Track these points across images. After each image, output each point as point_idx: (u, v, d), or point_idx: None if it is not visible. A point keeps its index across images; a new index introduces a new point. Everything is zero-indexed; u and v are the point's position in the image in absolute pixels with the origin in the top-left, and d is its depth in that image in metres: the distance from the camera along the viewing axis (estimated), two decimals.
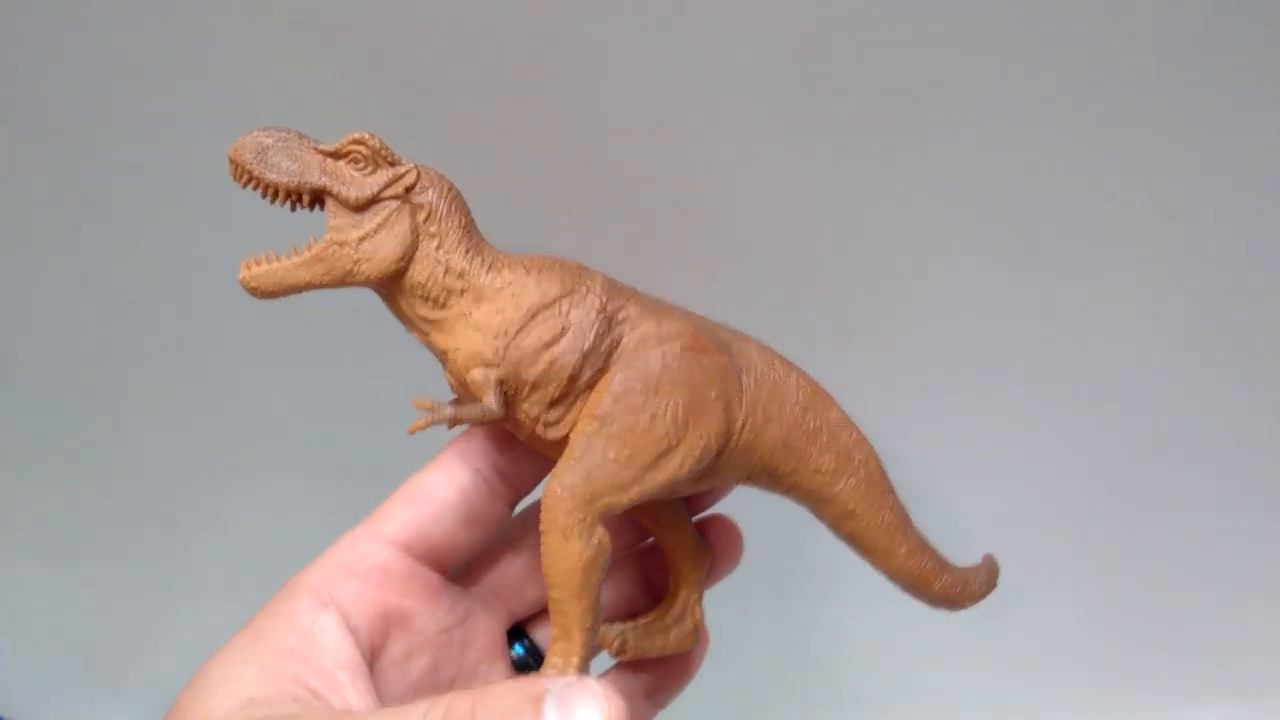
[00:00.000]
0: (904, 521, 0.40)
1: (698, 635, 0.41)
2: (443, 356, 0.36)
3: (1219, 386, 0.60)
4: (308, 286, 0.35)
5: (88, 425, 0.65)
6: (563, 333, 0.35)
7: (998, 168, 0.56)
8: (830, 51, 0.54)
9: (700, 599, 0.41)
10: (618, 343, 0.36)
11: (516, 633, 0.41)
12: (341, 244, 0.35)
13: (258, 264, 0.35)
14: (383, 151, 0.35)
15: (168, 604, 0.68)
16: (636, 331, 0.36)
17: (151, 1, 0.55)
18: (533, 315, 0.35)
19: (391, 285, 0.35)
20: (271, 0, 0.54)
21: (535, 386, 0.35)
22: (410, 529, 0.37)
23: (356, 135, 0.35)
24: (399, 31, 0.55)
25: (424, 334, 0.36)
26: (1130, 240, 0.58)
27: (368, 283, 0.35)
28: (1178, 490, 0.62)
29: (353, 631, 0.35)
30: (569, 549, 0.33)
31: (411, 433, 0.34)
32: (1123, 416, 0.61)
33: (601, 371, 0.35)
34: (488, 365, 0.35)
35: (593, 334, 0.35)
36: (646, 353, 0.36)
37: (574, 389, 0.35)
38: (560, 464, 0.34)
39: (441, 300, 0.35)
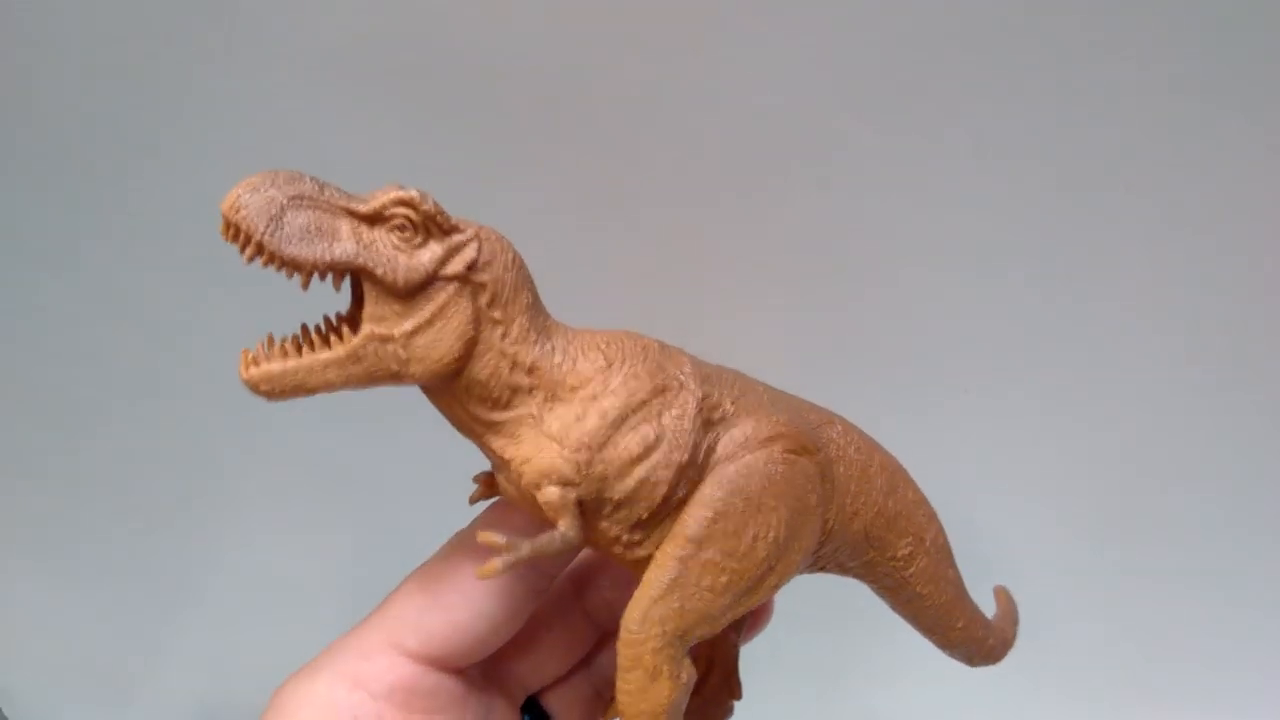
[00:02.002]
0: (962, 593, 0.36)
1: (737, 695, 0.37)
2: (503, 464, 0.29)
3: (1233, 405, 0.60)
4: (334, 389, 0.27)
5: (98, 443, 0.65)
6: (656, 443, 0.29)
7: (1019, 184, 0.56)
8: (848, 59, 0.54)
9: (738, 660, 0.37)
10: (714, 446, 0.30)
11: (530, 706, 0.36)
12: (386, 339, 0.27)
13: (267, 358, 0.27)
14: (438, 217, 0.28)
15: (177, 619, 0.67)
16: (734, 432, 0.30)
17: (155, 15, 0.55)
18: (620, 422, 0.29)
19: (444, 383, 0.29)
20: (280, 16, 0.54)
21: (620, 505, 0.29)
22: (435, 640, 0.31)
23: (402, 194, 0.27)
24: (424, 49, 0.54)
25: (478, 436, 0.29)
26: (1145, 262, 0.57)
27: (416, 383, 0.28)
28: (1193, 511, 0.62)
29: None
30: (656, 691, 0.28)
31: (482, 578, 0.28)
32: (1137, 434, 0.61)
33: (697, 483, 0.29)
34: (566, 484, 0.28)
35: (690, 443, 0.29)
36: (746, 460, 0.30)
37: (667, 506, 0.29)
38: (643, 591, 0.29)
39: (505, 400, 0.29)
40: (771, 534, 0.29)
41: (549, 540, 0.28)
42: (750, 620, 0.37)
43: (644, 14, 0.53)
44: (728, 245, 0.58)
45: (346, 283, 0.28)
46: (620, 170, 0.56)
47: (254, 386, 0.27)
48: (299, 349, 0.27)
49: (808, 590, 0.37)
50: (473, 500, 0.33)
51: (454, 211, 0.28)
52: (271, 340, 0.27)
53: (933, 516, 0.35)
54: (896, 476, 0.34)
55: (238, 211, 0.26)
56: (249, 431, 0.63)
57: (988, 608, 0.39)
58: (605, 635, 0.37)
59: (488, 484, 0.32)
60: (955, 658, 0.37)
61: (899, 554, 0.34)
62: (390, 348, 0.27)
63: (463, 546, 0.32)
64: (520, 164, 0.56)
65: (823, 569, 0.34)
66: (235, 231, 0.26)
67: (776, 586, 0.31)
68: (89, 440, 0.65)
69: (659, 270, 0.57)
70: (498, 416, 0.29)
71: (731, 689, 0.37)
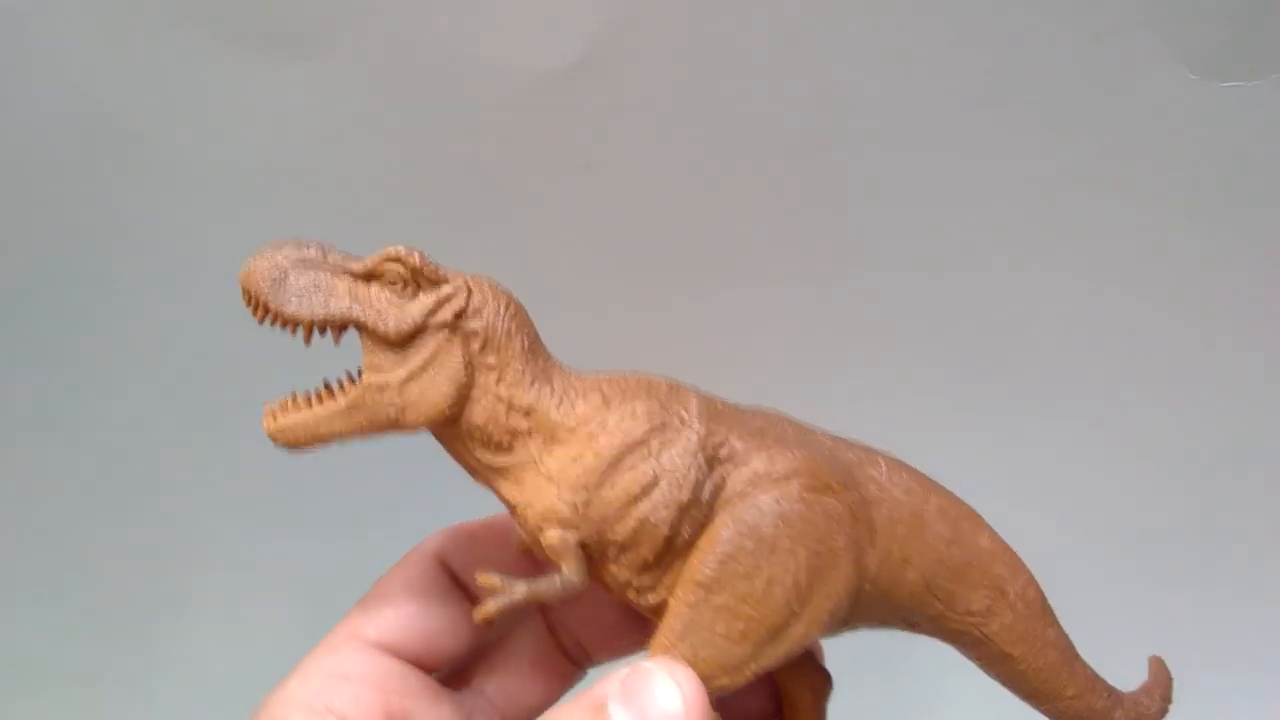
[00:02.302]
0: (1069, 657, 0.32)
1: None
2: (511, 509, 0.29)
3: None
4: (346, 438, 0.29)
5: (56, 545, 0.64)
6: (654, 482, 0.28)
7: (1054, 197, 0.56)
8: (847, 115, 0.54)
9: None
10: (722, 485, 0.28)
11: None
12: (382, 388, 0.28)
13: (284, 412, 0.29)
14: (424, 270, 0.29)
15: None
16: (744, 470, 0.29)
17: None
18: (617, 461, 0.28)
19: (445, 429, 0.29)
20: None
21: (624, 548, 0.28)
22: (394, 631, 0.33)
23: (392, 251, 0.29)
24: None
25: (488, 481, 0.30)
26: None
27: (416, 430, 0.29)
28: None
29: None
30: None
31: (480, 621, 0.28)
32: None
33: (704, 524, 0.28)
34: (565, 526, 0.28)
35: (691, 482, 0.28)
36: (758, 499, 0.28)
37: (672, 548, 0.28)
38: (656, 639, 0.28)
39: (506, 444, 0.29)
40: (790, 578, 0.28)
41: (548, 584, 0.28)
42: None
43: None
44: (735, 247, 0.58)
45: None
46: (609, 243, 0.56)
47: (274, 438, 0.29)
48: (310, 403, 0.29)
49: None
50: (480, 620, 0.31)
51: (472, 264, 0.30)
52: (294, 396, 0.29)
53: (1018, 569, 0.32)
54: (962, 523, 0.31)
55: (248, 277, 0.28)
56: (213, 539, 0.62)
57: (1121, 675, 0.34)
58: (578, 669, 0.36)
59: (501, 590, 0.31)
60: None
61: (973, 608, 0.31)
62: (386, 395, 0.28)
63: (416, 555, 0.34)
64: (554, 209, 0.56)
65: (886, 624, 0.32)
66: (247, 296, 0.28)
67: (807, 636, 0.28)
68: (49, 551, 0.64)
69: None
70: (501, 461, 0.29)
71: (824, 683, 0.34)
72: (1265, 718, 0.62)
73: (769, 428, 0.30)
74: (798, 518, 0.28)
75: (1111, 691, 0.33)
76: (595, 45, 0.53)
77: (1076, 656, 0.33)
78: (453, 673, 0.35)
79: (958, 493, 0.33)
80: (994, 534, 0.32)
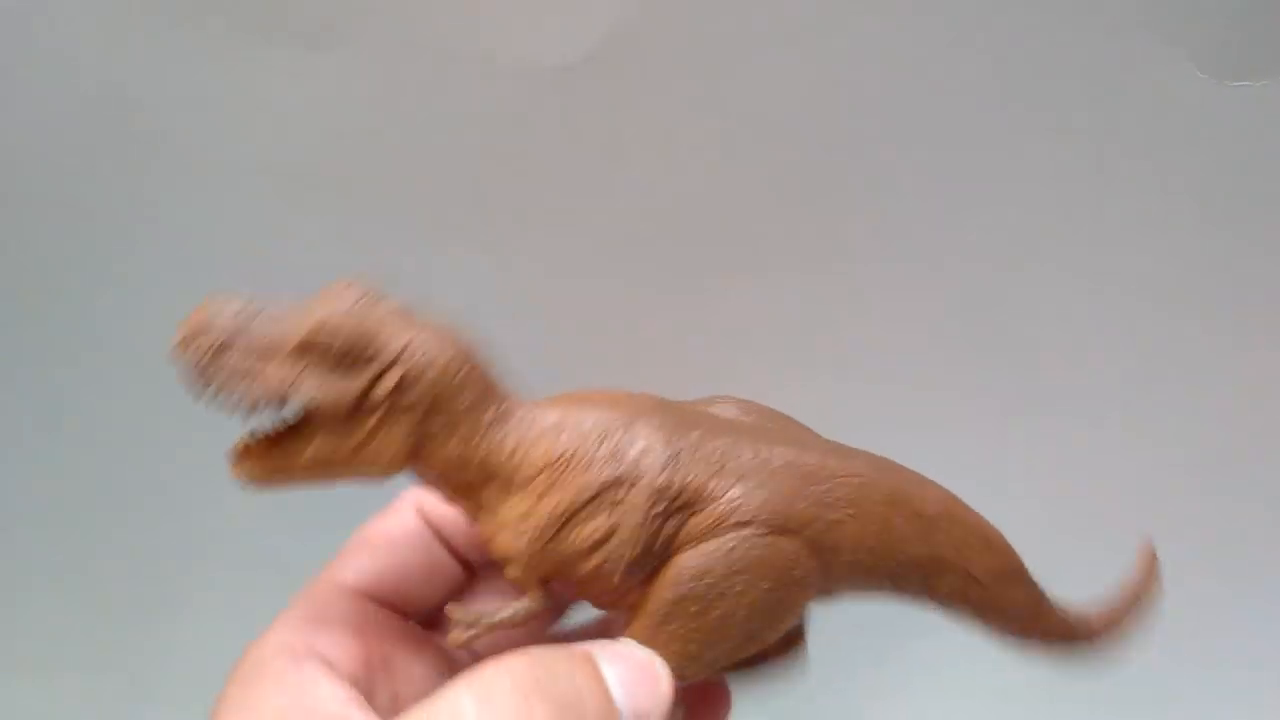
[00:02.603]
0: (1036, 613, 0.35)
1: None
2: (482, 538, 0.31)
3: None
4: (313, 483, 0.30)
5: (61, 537, 0.64)
6: (606, 538, 0.29)
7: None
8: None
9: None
10: (678, 530, 0.29)
11: None
12: (335, 450, 0.29)
13: (249, 455, 0.29)
14: (355, 345, 0.28)
15: (154, 713, 0.66)
16: (701, 516, 0.29)
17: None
18: (570, 517, 0.29)
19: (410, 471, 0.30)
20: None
21: (585, 583, 0.29)
22: (372, 577, 0.34)
23: (319, 322, 0.28)
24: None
25: (459, 510, 0.31)
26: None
27: (380, 478, 0.30)
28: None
29: (343, 678, 0.31)
30: None
31: (453, 646, 0.30)
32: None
33: (661, 565, 0.29)
34: (524, 566, 0.29)
35: (643, 539, 0.29)
36: (712, 546, 0.29)
37: (629, 584, 0.29)
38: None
39: (464, 489, 0.30)
40: (743, 613, 0.29)
41: (511, 613, 0.30)
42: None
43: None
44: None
45: None
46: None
47: (242, 479, 0.29)
48: (271, 450, 0.29)
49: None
50: (452, 645, 0.33)
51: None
52: (252, 437, 0.29)
53: (988, 547, 0.33)
54: (936, 520, 0.32)
55: (178, 359, 0.27)
56: (211, 531, 0.62)
57: None
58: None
59: (469, 624, 0.32)
60: (1046, 650, 0.36)
61: (940, 592, 0.33)
62: (341, 455, 0.29)
63: (397, 505, 0.35)
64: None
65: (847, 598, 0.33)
66: (183, 374, 0.28)
67: (766, 643, 0.30)
68: (56, 538, 0.64)
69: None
70: (462, 500, 0.30)
71: (798, 649, 0.35)
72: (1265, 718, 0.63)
73: (731, 452, 0.30)
74: (753, 561, 0.29)
75: (1073, 629, 0.35)
76: (606, 41, 0.53)
77: (1045, 610, 0.34)
78: (433, 616, 0.36)
79: (961, 486, 0.33)
80: (970, 517, 0.33)
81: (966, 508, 0.33)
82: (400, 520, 0.35)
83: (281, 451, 0.29)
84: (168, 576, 0.64)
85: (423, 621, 0.36)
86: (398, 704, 0.32)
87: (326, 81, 0.53)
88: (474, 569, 0.36)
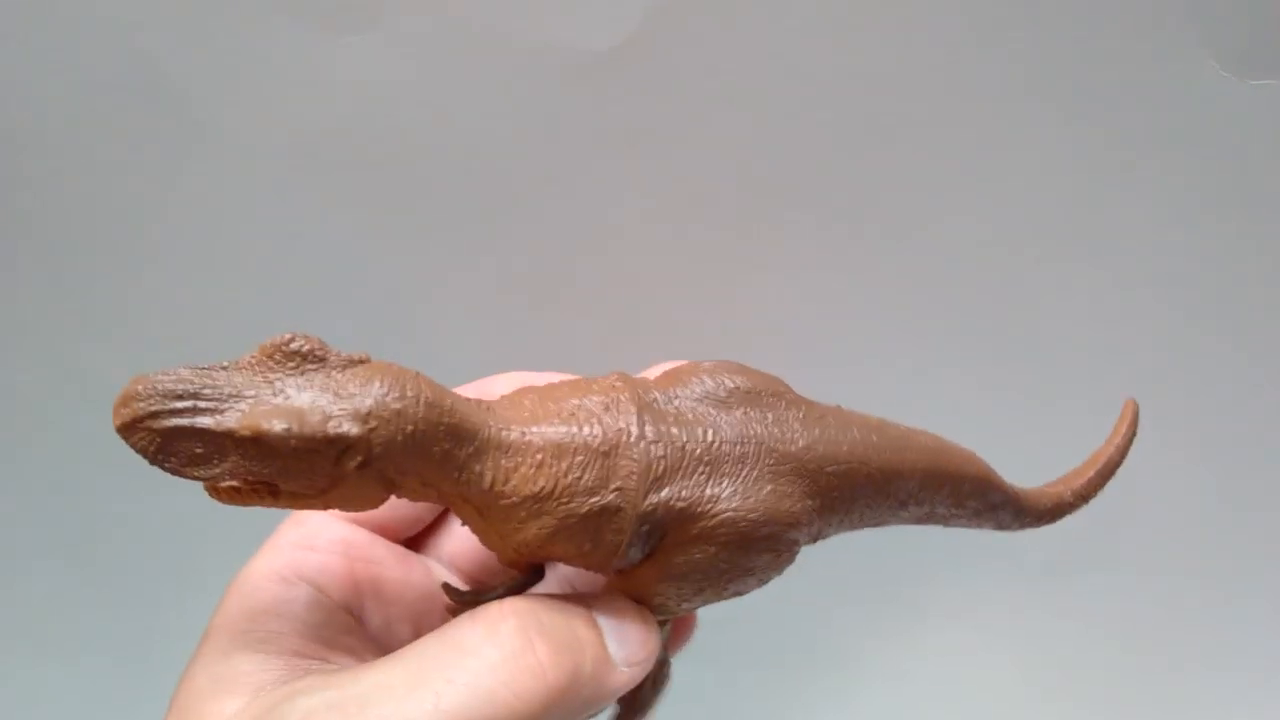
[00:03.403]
0: (1018, 509, 0.36)
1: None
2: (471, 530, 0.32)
3: None
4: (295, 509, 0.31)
5: (81, 518, 0.64)
6: (588, 552, 0.29)
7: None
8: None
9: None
10: (669, 531, 0.29)
11: None
12: (307, 504, 0.28)
13: (220, 494, 0.28)
14: (306, 443, 0.26)
15: (164, 692, 0.66)
16: (697, 512, 0.29)
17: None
18: (552, 538, 0.29)
19: None
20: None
21: (572, 566, 0.31)
22: None
23: (260, 428, 0.26)
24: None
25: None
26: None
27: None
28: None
29: (334, 602, 0.32)
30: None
31: (451, 614, 0.30)
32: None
33: (647, 557, 0.30)
34: (512, 564, 0.31)
35: (623, 553, 0.29)
36: (695, 554, 0.29)
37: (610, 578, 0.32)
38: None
39: (444, 506, 0.32)
40: (730, 591, 0.31)
41: (505, 589, 0.31)
42: (673, 638, 0.37)
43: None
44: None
45: None
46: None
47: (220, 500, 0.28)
48: (243, 490, 0.28)
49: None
50: (450, 611, 0.34)
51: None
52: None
53: (965, 474, 0.34)
54: (925, 481, 0.33)
55: (126, 440, 0.26)
56: (224, 511, 0.62)
57: None
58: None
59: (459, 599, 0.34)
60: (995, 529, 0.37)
61: (923, 521, 0.35)
62: (316, 504, 0.28)
63: None
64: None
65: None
66: (133, 447, 0.26)
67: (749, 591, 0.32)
68: (72, 523, 0.65)
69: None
70: (445, 508, 0.32)
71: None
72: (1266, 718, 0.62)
73: (717, 453, 0.29)
74: (734, 562, 0.30)
75: (1053, 502, 0.37)
76: (641, 27, 0.53)
77: (1016, 498, 0.36)
78: (421, 538, 0.37)
79: None
80: (950, 462, 0.33)
81: (949, 449, 0.34)
82: None
83: (254, 494, 0.28)
84: (177, 558, 0.65)
85: (412, 543, 0.36)
86: (390, 627, 0.33)
87: (358, 65, 0.54)
88: None
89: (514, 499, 0.28)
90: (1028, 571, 0.62)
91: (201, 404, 0.26)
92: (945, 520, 0.35)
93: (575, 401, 0.29)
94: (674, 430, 0.29)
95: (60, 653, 0.67)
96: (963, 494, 0.34)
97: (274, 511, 0.57)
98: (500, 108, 0.55)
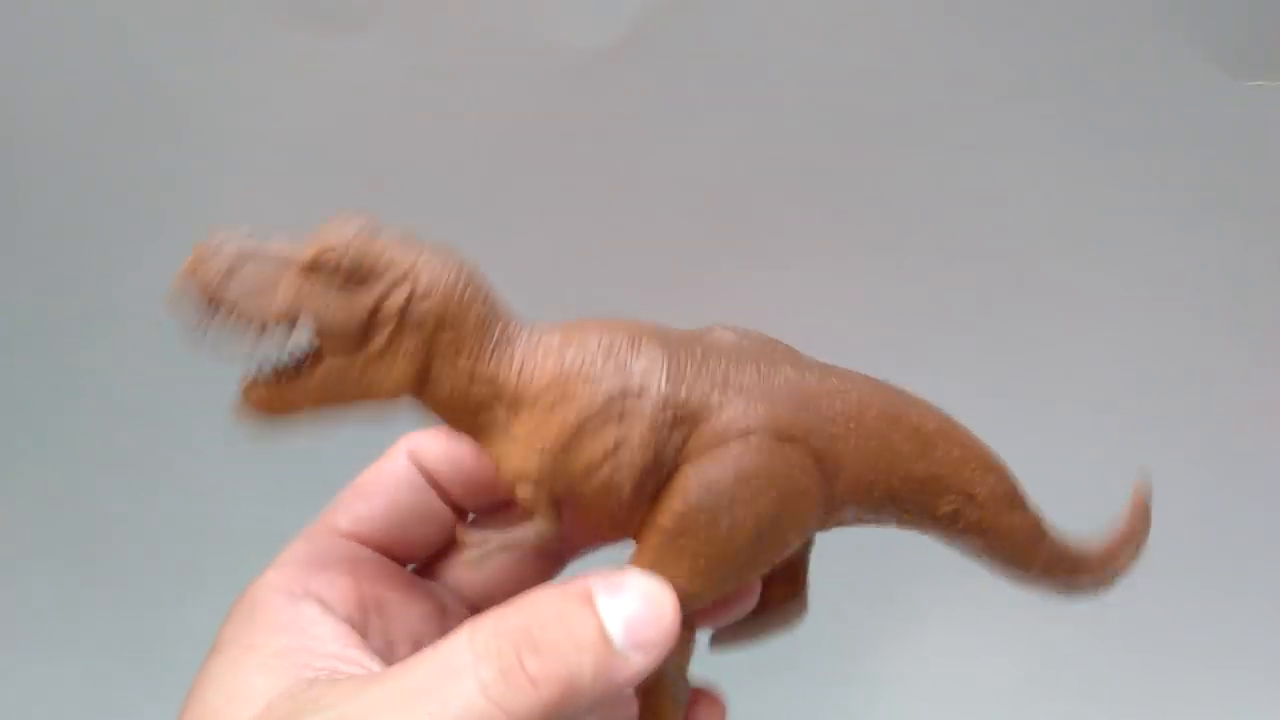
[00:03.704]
0: (1035, 537, 0.34)
1: None
2: (490, 462, 0.31)
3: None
4: (319, 413, 0.30)
5: (80, 517, 0.64)
6: (616, 448, 0.29)
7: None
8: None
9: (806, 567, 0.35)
10: (685, 441, 0.29)
11: None
12: (345, 370, 0.29)
13: (255, 388, 0.29)
14: (363, 262, 0.28)
15: (166, 692, 0.67)
16: (706, 426, 0.29)
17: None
18: (579, 428, 0.29)
19: (416, 397, 0.30)
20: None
21: (594, 499, 0.30)
22: (366, 522, 0.35)
23: (327, 243, 0.28)
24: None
25: (466, 435, 0.31)
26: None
27: (384, 403, 0.30)
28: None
29: (339, 619, 0.32)
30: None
31: (466, 565, 0.30)
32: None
33: (670, 476, 0.29)
34: (536, 483, 0.29)
35: (652, 445, 0.29)
36: (719, 455, 0.29)
37: (639, 499, 0.30)
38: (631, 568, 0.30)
39: (473, 410, 0.30)
40: (751, 522, 0.29)
41: (523, 534, 0.29)
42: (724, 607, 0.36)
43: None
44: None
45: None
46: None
47: (245, 416, 0.29)
48: (280, 380, 0.29)
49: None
50: (467, 564, 0.34)
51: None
52: (254, 376, 0.29)
53: (989, 469, 0.33)
54: (934, 438, 0.32)
55: (190, 277, 0.28)
56: (227, 510, 0.63)
57: None
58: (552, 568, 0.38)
59: (479, 544, 0.33)
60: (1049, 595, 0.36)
61: (940, 513, 0.32)
62: (351, 375, 0.29)
63: (391, 453, 0.36)
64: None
65: (856, 525, 0.33)
66: (187, 302, 0.28)
67: (773, 562, 0.31)
68: (71, 521, 0.64)
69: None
70: (471, 423, 0.30)
71: (798, 598, 0.36)
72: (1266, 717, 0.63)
73: (734, 369, 0.30)
74: (759, 470, 0.29)
75: (1078, 560, 0.35)
76: (637, 24, 0.53)
77: (1044, 534, 0.34)
78: (427, 564, 0.37)
79: None
80: (967, 438, 0.33)
81: (964, 429, 0.33)
82: (394, 466, 0.36)
83: (289, 381, 0.29)
84: (177, 559, 0.64)
85: (417, 568, 0.37)
86: (392, 648, 0.34)
87: (357, 64, 0.54)
88: (464, 514, 0.37)
89: (542, 383, 0.29)
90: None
91: (263, 248, 0.29)
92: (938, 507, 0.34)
93: (602, 321, 0.31)
94: (693, 350, 0.30)
95: (61, 652, 0.67)
96: (965, 473, 0.33)
97: (273, 514, 0.57)
98: (497, 105, 0.55)
